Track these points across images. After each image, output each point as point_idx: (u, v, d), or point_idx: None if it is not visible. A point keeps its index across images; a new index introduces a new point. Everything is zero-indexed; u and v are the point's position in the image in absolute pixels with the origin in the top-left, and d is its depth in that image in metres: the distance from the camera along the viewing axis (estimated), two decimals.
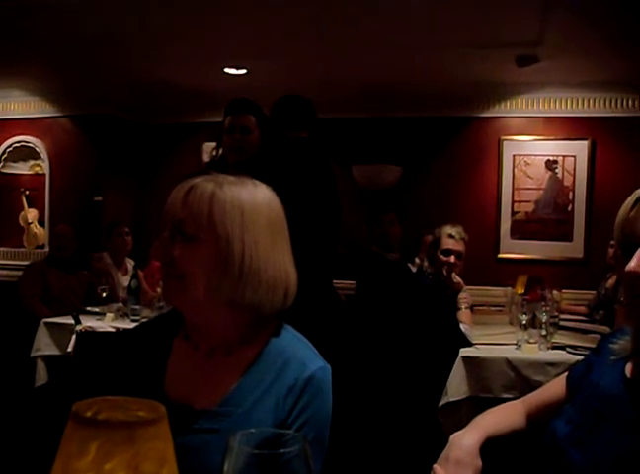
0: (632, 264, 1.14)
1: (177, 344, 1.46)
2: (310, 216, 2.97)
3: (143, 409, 0.66)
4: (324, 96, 6.26)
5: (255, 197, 1.36)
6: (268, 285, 1.34)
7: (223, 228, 1.30)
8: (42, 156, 6.98)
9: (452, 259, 4.00)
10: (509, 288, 4.86)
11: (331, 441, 1.39)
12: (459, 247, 4.02)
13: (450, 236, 4.02)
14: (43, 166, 7.00)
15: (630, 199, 1.19)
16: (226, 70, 5.78)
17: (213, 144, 3.50)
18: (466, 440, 1.33)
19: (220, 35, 4.87)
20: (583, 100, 6.19)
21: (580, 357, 1.59)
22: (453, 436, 1.35)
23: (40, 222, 7.05)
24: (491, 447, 1.36)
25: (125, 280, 5.25)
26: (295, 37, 4.89)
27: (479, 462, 1.30)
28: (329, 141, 6.54)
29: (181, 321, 1.47)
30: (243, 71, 5.80)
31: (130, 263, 5.86)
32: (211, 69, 5.75)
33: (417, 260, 5.79)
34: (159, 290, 4.42)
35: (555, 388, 1.49)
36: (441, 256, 4.02)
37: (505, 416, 1.48)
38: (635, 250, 1.15)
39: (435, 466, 1.27)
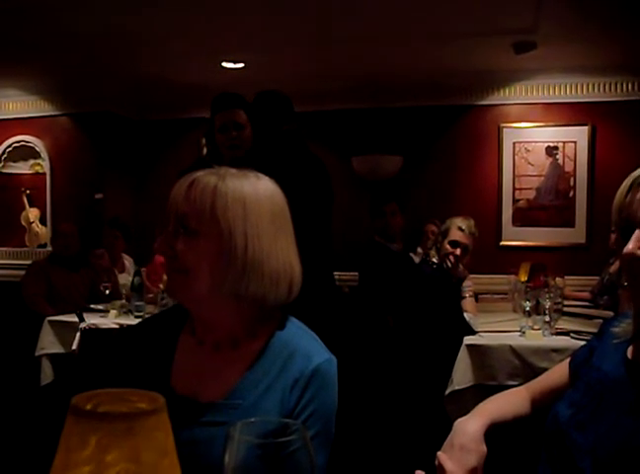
0: (630, 246, 1.15)
1: (182, 339, 1.46)
2: (312, 208, 2.97)
3: (144, 401, 0.66)
4: (322, 88, 6.29)
5: (257, 189, 1.36)
6: (271, 278, 1.34)
7: (226, 221, 1.30)
8: (42, 155, 6.98)
9: (458, 251, 3.99)
10: (512, 276, 4.85)
11: (337, 432, 1.39)
12: (466, 241, 4.02)
13: (460, 229, 4.02)
14: (44, 165, 7.00)
15: (626, 183, 1.20)
16: (224, 64, 5.78)
17: None
18: (470, 426, 1.33)
19: (217, 29, 4.86)
20: (582, 85, 6.18)
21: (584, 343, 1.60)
22: (457, 422, 1.36)
23: (42, 221, 7.06)
24: (495, 433, 1.37)
25: (122, 278, 5.27)
26: (292, 29, 4.89)
27: (484, 447, 1.30)
28: (329, 133, 6.57)
29: (186, 316, 1.47)
30: (240, 65, 5.80)
31: (128, 260, 5.90)
32: (209, 63, 5.75)
33: (419, 249, 5.79)
34: (162, 286, 4.43)
35: (558, 374, 1.49)
36: (448, 246, 4.02)
37: (508, 402, 1.48)
38: (632, 233, 1.16)
39: (439, 453, 1.27)
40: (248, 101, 3.43)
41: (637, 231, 1.16)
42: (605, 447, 1.17)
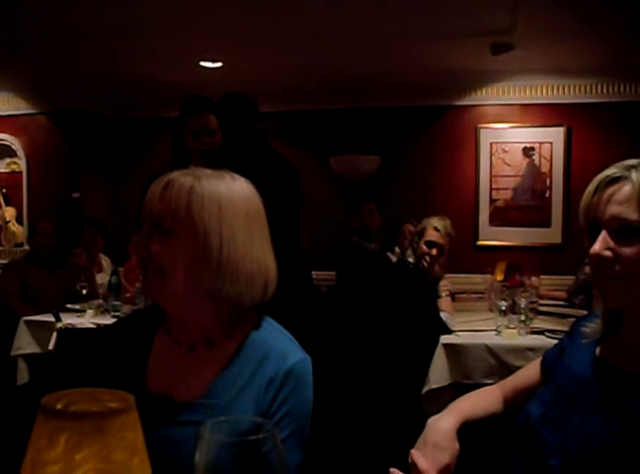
0: (596, 247, 1.17)
1: (158, 338, 1.46)
2: (280, 207, 2.98)
3: (114, 400, 0.66)
4: (300, 87, 6.29)
5: (233, 190, 1.36)
6: (247, 278, 1.34)
7: (201, 222, 1.30)
8: (19, 154, 6.92)
9: (434, 252, 3.98)
10: (488, 275, 4.89)
11: (313, 432, 1.40)
12: (442, 241, 4.00)
13: (436, 229, 4.00)
14: (20, 164, 6.95)
15: (592, 186, 1.22)
16: (202, 63, 5.76)
17: None
18: (443, 424, 1.35)
19: (196, 28, 4.85)
20: (558, 86, 6.24)
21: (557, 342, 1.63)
22: (431, 420, 1.37)
23: (19, 220, 7.00)
24: (468, 431, 1.38)
25: (100, 277, 5.24)
26: (271, 29, 4.88)
27: (456, 445, 1.32)
28: (307, 133, 6.58)
29: (162, 316, 1.47)
30: (218, 64, 5.78)
31: (105, 260, 5.87)
32: (187, 63, 5.73)
33: (397, 249, 5.82)
34: (139, 286, 4.42)
35: (530, 372, 1.51)
36: (424, 246, 4.02)
37: (481, 400, 1.50)
38: (599, 234, 1.18)
39: (412, 451, 1.28)
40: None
41: (603, 232, 1.18)
42: (574, 446, 1.19)
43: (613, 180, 1.18)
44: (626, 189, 1.16)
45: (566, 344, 1.45)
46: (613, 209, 1.17)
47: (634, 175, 1.16)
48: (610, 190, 1.18)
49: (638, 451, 1.11)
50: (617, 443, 1.14)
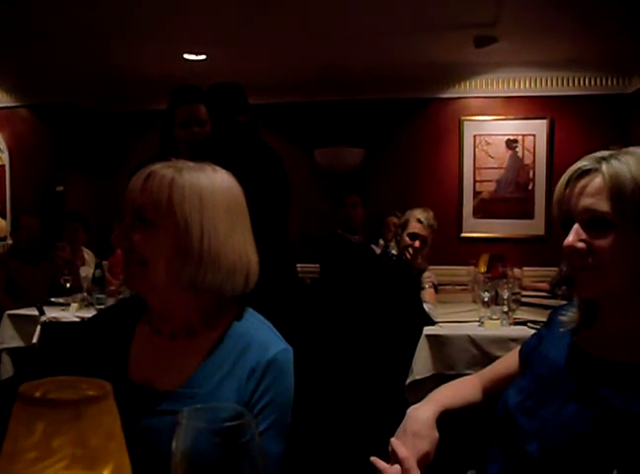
0: (569, 238, 1.19)
1: (140, 329, 1.47)
2: (266, 198, 2.97)
3: (91, 388, 0.67)
4: (284, 80, 6.28)
5: (214, 182, 1.37)
6: (228, 269, 1.35)
7: (182, 213, 1.31)
8: (1, 147, 6.88)
9: (417, 244, 3.98)
10: (472, 267, 4.91)
11: (294, 423, 1.41)
12: (425, 233, 4.00)
13: (419, 221, 3.99)
14: (3, 157, 6.91)
15: (564, 178, 1.24)
16: (185, 56, 5.74)
17: None
18: (422, 413, 1.37)
19: (179, 20, 4.83)
20: (541, 79, 6.27)
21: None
22: (410, 410, 1.39)
23: (2, 214, 6.96)
24: (447, 419, 1.40)
25: (83, 271, 5.22)
26: (254, 21, 4.87)
27: (436, 433, 1.34)
28: (291, 125, 6.58)
29: (143, 306, 1.48)
30: (202, 56, 5.77)
31: (88, 253, 5.85)
32: (171, 55, 5.71)
33: (381, 241, 5.83)
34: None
35: (508, 362, 1.54)
36: (407, 238, 4.02)
37: (461, 389, 1.52)
38: (572, 225, 1.20)
39: (392, 440, 1.30)
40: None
41: (576, 224, 1.20)
42: (551, 432, 1.21)
43: (585, 172, 1.20)
44: (597, 181, 1.18)
45: (544, 333, 1.47)
46: (585, 202, 1.18)
47: (605, 167, 1.17)
48: (582, 182, 1.20)
49: (612, 437, 1.14)
50: (592, 430, 1.16)
